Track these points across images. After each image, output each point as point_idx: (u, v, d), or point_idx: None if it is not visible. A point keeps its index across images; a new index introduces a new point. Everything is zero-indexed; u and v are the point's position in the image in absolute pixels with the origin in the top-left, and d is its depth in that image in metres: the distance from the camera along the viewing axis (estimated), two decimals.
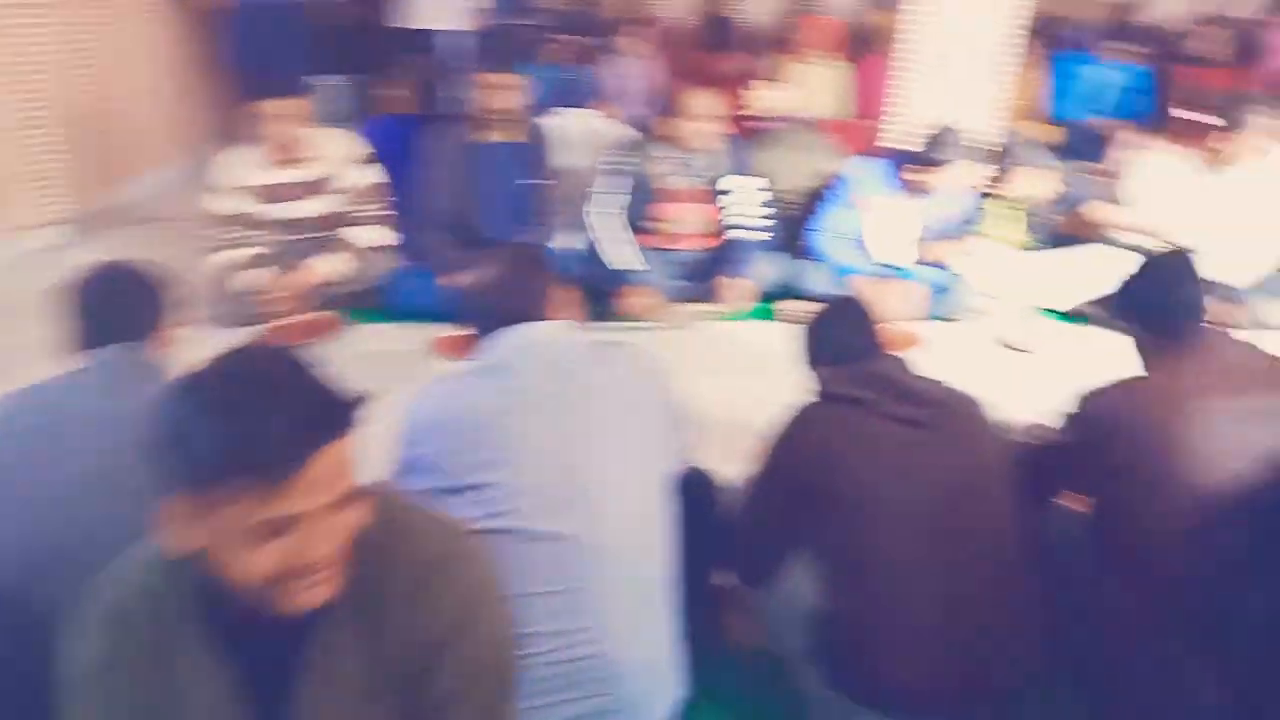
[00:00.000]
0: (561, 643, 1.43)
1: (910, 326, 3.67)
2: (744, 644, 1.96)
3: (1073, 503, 1.92)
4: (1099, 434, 1.74)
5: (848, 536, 1.64)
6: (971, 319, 3.82)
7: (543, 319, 1.63)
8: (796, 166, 4.21)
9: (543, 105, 4.39)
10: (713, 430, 2.12)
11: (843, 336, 1.86)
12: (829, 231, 3.83)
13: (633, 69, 5.68)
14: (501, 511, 1.45)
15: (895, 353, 1.87)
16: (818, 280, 3.78)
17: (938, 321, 3.78)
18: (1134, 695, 1.65)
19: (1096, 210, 3.93)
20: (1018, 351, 3.59)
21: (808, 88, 5.37)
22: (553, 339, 1.61)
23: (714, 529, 1.86)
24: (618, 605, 1.47)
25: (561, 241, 3.73)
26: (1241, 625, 1.32)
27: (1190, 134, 3.87)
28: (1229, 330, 1.88)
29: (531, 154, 3.74)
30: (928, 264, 3.83)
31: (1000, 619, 1.63)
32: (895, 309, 3.64)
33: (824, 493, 1.65)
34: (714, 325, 3.70)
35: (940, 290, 3.80)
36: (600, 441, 1.53)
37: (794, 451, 1.72)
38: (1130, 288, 1.92)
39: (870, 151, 4.21)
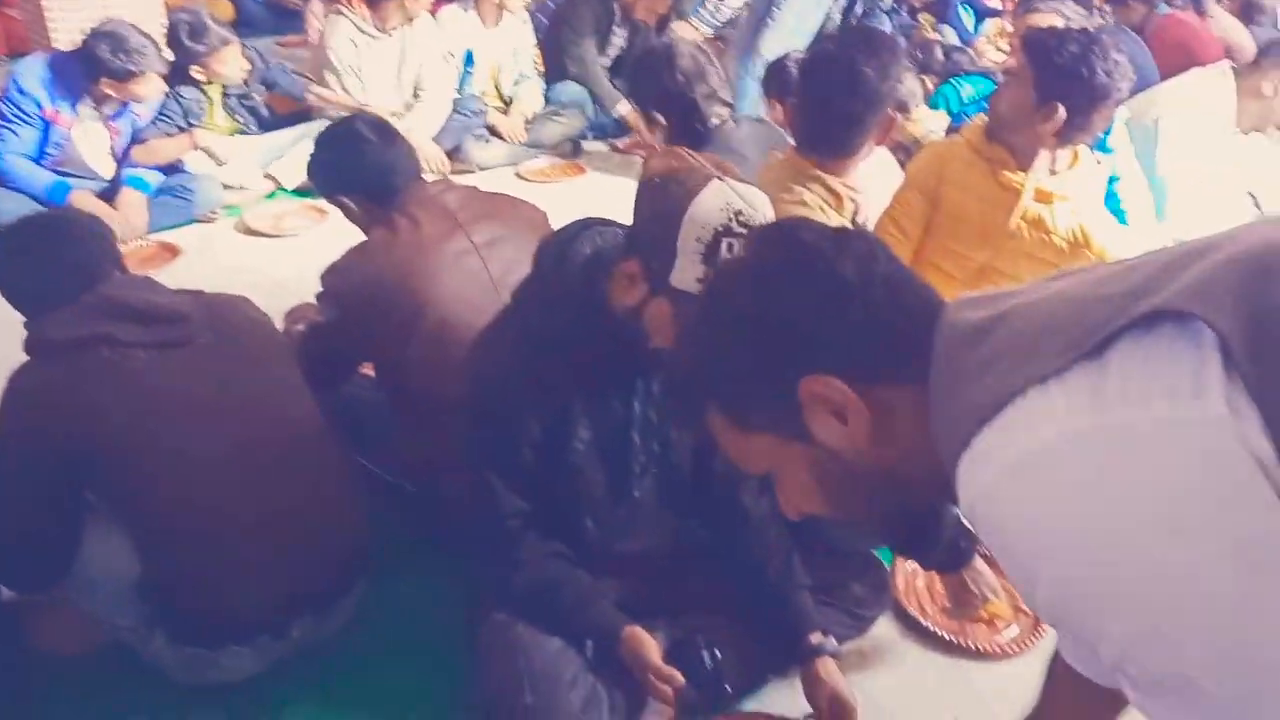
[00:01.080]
0: None
1: (163, 239, 3.38)
2: (70, 649, 1.66)
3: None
4: (351, 306, 1.77)
5: (143, 487, 1.47)
6: (224, 214, 3.65)
7: None
8: None
9: None
10: None
11: (46, 271, 1.49)
12: (14, 151, 3.20)
13: None
14: None
15: (145, 271, 1.64)
16: (13, 208, 3.14)
17: (193, 225, 3.55)
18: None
19: (313, 92, 3.98)
20: (275, 238, 3.52)
21: None
22: None
23: None
24: None
25: None
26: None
27: None
28: (449, 176, 2.06)
29: None
30: (155, 168, 3.52)
31: (330, 508, 1.63)
32: (130, 223, 3.28)
33: (94, 456, 1.44)
34: None
35: (177, 192, 3.53)
36: None
37: (33, 428, 1.43)
38: (318, 161, 1.95)
39: (36, 50, 3.57)
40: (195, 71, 3.60)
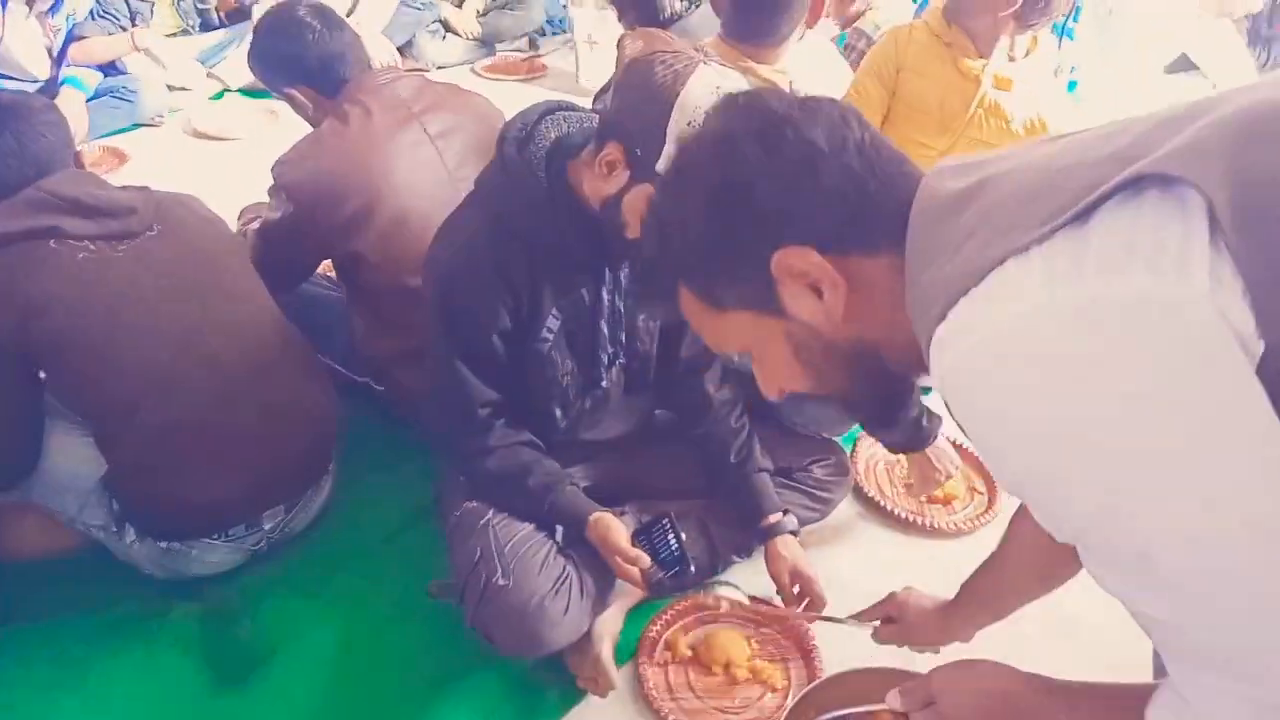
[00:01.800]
0: None
1: (109, 144, 3.30)
2: (42, 553, 1.67)
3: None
4: (303, 198, 1.73)
5: (95, 379, 1.46)
6: (170, 118, 3.56)
7: None
8: None
9: None
10: None
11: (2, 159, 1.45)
12: None
13: None
14: None
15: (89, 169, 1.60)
16: None
17: (139, 130, 3.46)
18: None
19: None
20: (225, 141, 3.43)
21: None
22: None
23: None
24: None
25: None
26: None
27: None
28: (400, 69, 2.00)
29: None
30: (93, 68, 3.37)
31: (292, 397, 1.63)
32: (71, 125, 3.16)
33: (44, 349, 1.43)
34: None
35: (120, 95, 3.42)
36: None
37: None
38: (260, 51, 1.88)
39: None
40: None
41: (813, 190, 0.73)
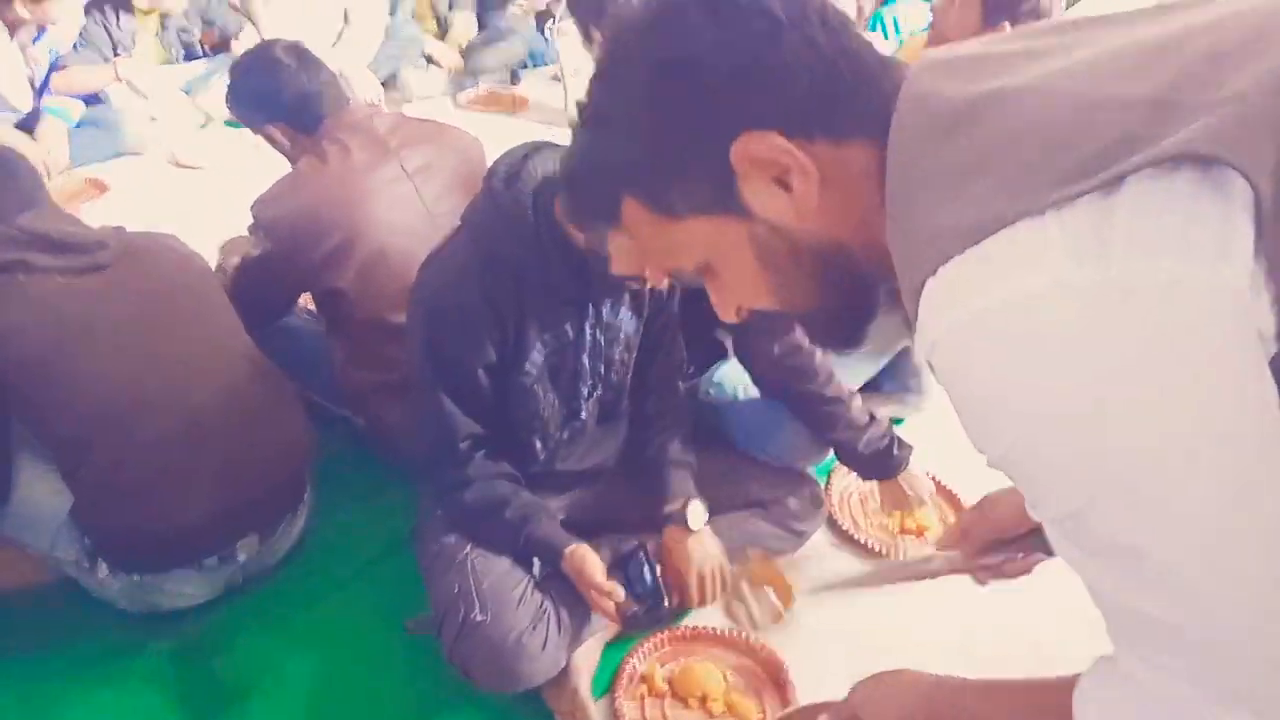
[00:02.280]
0: None
1: (90, 174, 3.28)
2: (18, 585, 1.67)
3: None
4: (282, 237, 1.75)
5: (62, 408, 1.47)
6: (153, 148, 3.54)
7: None
8: None
9: None
10: None
11: None
12: None
13: None
14: None
15: (73, 207, 1.62)
16: None
17: (121, 159, 3.44)
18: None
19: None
20: (195, 169, 3.44)
21: None
22: None
23: None
24: None
25: None
26: None
27: None
28: (381, 106, 2.03)
29: None
30: (76, 98, 3.38)
31: (265, 426, 1.64)
32: (52, 155, 3.18)
33: (12, 380, 1.44)
34: None
35: (102, 125, 3.42)
36: None
37: None
38: (236, 91, 1.90)
39: None
40: None
41: (773, 65, 0.63)
